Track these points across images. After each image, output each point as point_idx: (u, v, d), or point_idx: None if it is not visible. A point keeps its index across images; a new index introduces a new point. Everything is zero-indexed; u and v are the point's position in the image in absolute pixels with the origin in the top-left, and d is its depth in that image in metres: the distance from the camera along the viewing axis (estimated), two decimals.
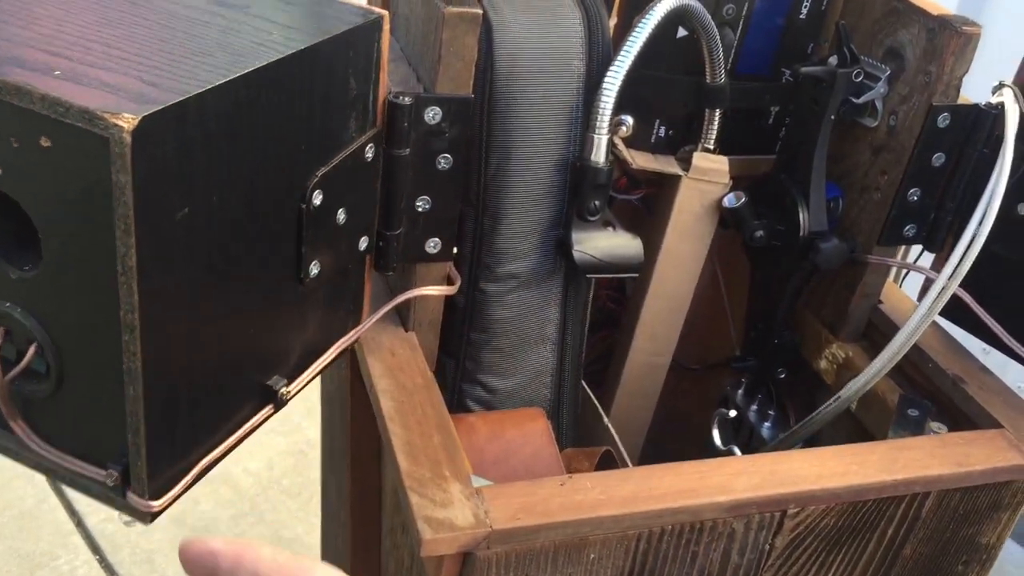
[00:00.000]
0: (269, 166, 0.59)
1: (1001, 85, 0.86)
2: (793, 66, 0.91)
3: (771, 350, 1.03)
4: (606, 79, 0.78)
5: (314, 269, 0.66)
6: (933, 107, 0.86)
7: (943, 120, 0.87)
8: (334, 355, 0.72)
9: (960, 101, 0.87)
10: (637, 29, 0.79)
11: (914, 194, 0.90)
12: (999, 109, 0.86)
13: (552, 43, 0.78)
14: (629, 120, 0.96)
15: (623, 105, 0.96)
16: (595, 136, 0.79)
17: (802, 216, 0.94)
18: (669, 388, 1.17)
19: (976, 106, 0.87)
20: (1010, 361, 0.90)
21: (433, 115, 0.71)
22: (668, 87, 0.95)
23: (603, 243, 0.83)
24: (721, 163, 0.96)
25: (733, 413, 1.00)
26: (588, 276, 0.86)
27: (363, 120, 0.67)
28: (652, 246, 1.00)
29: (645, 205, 1.03)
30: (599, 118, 0.78)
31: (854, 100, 0.91)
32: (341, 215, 0.68)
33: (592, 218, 0.81)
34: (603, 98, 0.78)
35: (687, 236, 0.98)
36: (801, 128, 0.95)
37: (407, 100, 0.69)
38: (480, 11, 0.69)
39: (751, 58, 0.97)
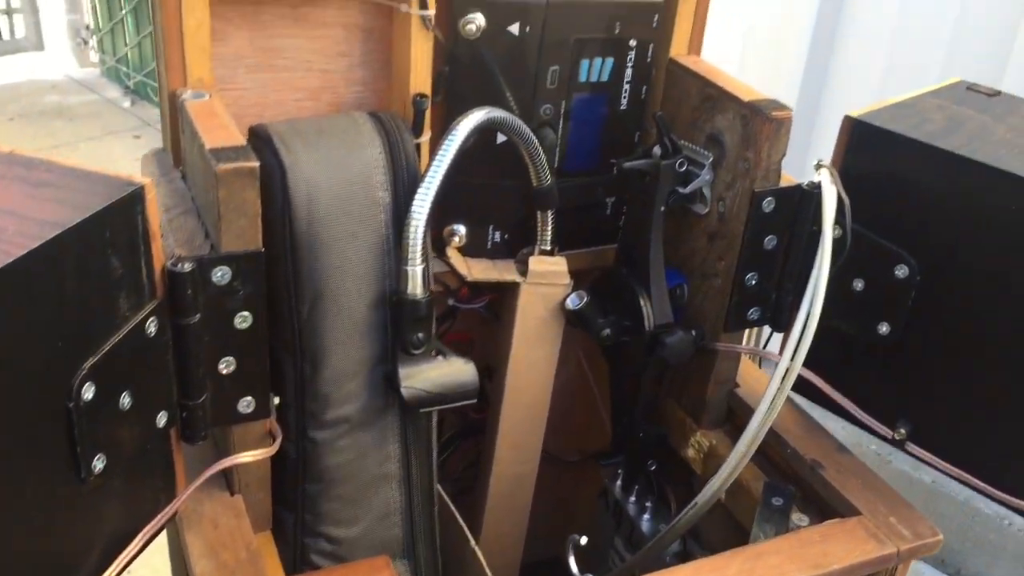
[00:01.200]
0: (20, 370, 0.54)
1: (819, 165, 0.85)
2: (617, 160, 0.90)
3: (638, 443, 1.00)
4: (413, 208, 0.75)
5: (98, 464, 0.61)
6: (756, 193, 0.85)
7: (768, 204, 0.85)
8: (140, 544, 0.67)
9: (784, 181, 0.86)
10: (441, 150, 0.76)
11: (752, 278, 0.89)
12: (819, 188, 0.85)
13: (351, 177, 0.75)
14: (461, 229, 0.94)
15: (454, 213, 0.94)
16: (408, 269, 0.75)
17: (645, 310, 0.91)
18: (550, 481, 1.13)
19: (799, 187, 0.86)
20: None
21: (222, 275, 0.67)
22: (496, 193, 0.93)
23: (433, 374, 0.79)
24: (559, 264, 0.93)
25: (584, 540, 0.97)
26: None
27: (137, 296, 0.63)
28: (502, 353, 0.97)
29: (491, 311, 1.00)
30: (411, 250, 0.75)
31: (681, 190, 0.90)
32: (126, 399, 0.63)
33: (417, 351, 0.77)
34: (412, 229, 0.75)
35: (535, 341, 0.95)
36: (634, 221, 0.93)
37: (187, 267, 0.65)
38: (256, 164, 0.65)
39: (577, 154, 0.95)
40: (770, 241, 0.87)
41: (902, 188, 0.82)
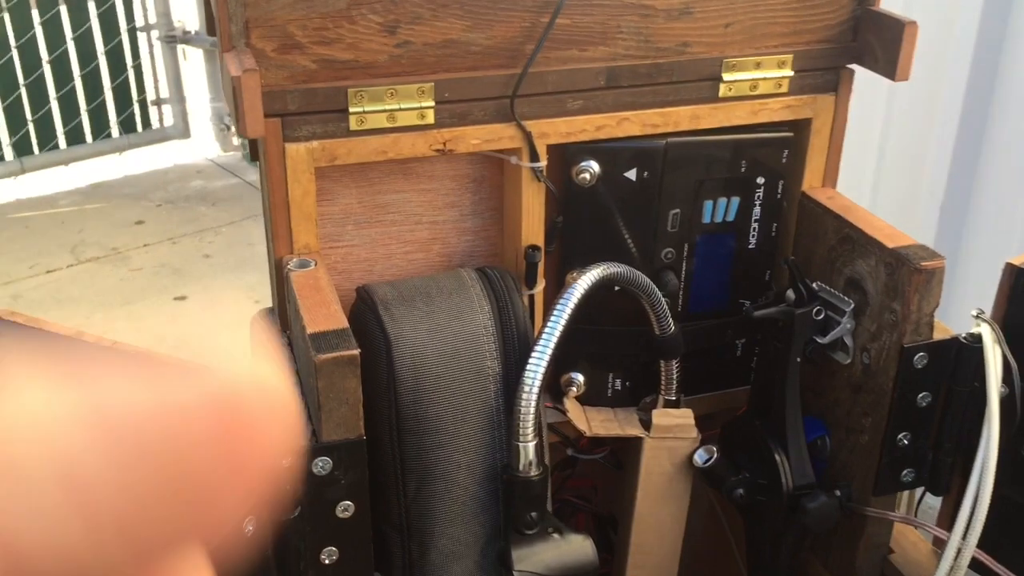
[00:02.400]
0: None
1: (978, 316, 0.76)
2: (746, 306, 0.82)
3: None
4: (525, 380, 0.70)
5: None
6: (905, 348, 0.76)
7: (920, 360, 0.77)
8: None
9: (938, 333, 0.77)
10: (555, 313, 0.71)
11: (904, 438, 0.80)
12: (980, 342, 0.76)
13: (459, 347, 0.71)
14: (579, 378, 0.88)
15: (571, 361, 0.88)
16: (520, 445, 0.70)
17: (782, 469, 0.83)
18: None
19: (955, 340, 0.77)
20: None
21: (323, 466, 0.63)
22: (615, 340, 0.87)
23: (548, 555, 0.73)
24: (685, 417, 0.86)
25: None
26: None
27: None
28: (625, 509, 0.90)
29: (614, 459, 0.93)
30: (522, 424, 0.70)
31: (819, 340, 0.82)
32: None
33: (531, 531, 0.72)
34: (523, 402, 0.70)
35: (661, 498, 0.88)
36: (768, 371, 0.85)
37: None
38: (356, 352, 0.62)
39: (702, 296, 0.88)
40: (924, 398, 0.78)
41: None
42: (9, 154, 3.14)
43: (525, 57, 0.74)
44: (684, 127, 0.80)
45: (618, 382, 0.89)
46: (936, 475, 0.81)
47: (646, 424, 0.86)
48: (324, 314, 0.65)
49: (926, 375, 0.77)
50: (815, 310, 0.81)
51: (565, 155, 0.79)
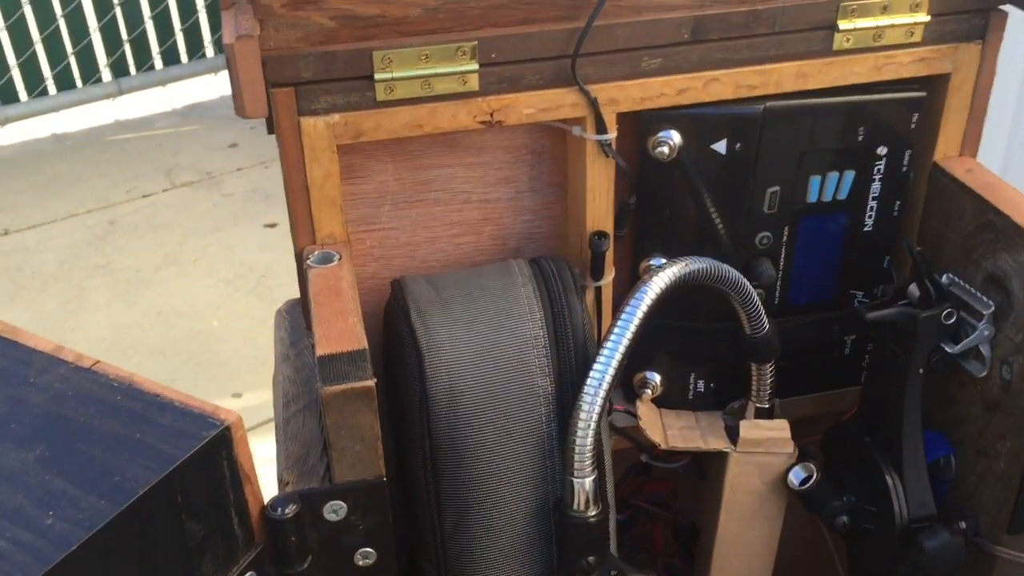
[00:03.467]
0: None
1: None
2: (859, 303, 0.69)
3: None
4: (581, 405, 0.58)
5: None
6: None
7: None
8: None
9: None
10: (615, 334, 0.59)
11: None
12: None
13: (504, 360, 0.60)
14: (656, 378, 0.77)
15: (647, 358, 0.76)
16: (575, 482, 0.59)
17: (896, 497, 0.70)
18: None
19: None
20: None
21: (337, 510, 0.54)
22: (699, 337, 0.74)
23: None
24: (779, 430, 0.74)
25: None
26: None
27: (228, 551, 0.51)
28: (708, 526, 0.79)
29: (696, 467, 0.81)
30: (577, 457, 0.59)
31: (948, 349, 0.67)
32: None
33: None
34: (578, 432, 0.58)
35: (749, 520, 0.76)
36: (883, 381, 0.72)
37: (290, 510, 0.52)
38: (371, 383, 0.51)
39: (805, 287, 0.74)
40: None
41: None
42: (107, 75, 3.13)
43: (589, 7, 0.60)
44: (788, 88, 0.66)
45: (701, 383, 0.77)
46: None
47: (733, 434, 0.74)
48: (340, 329, 0.55)
49: None
50: (945, 313, 0.66)
51: (639, 124, 0.66)
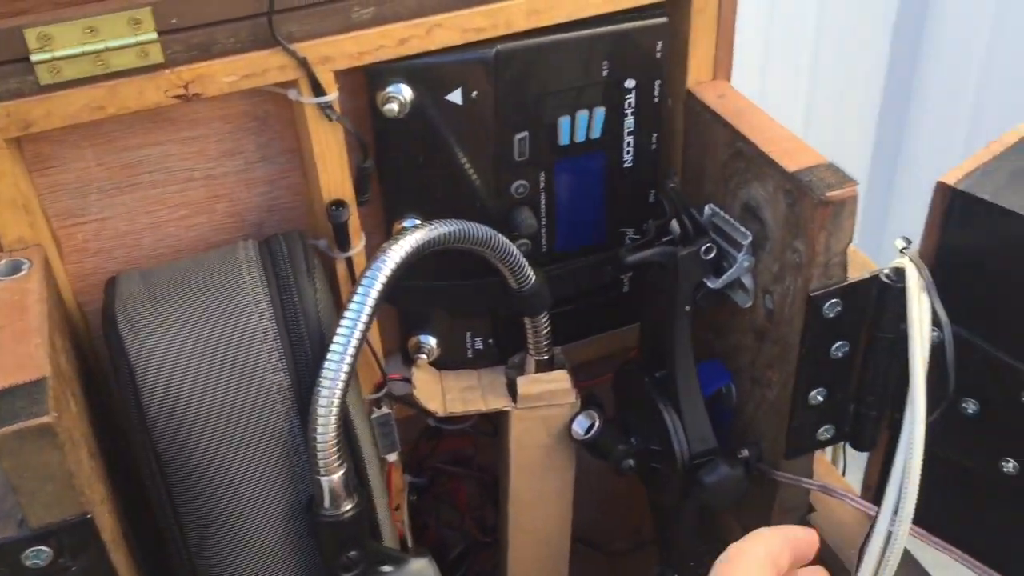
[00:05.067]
0: None
1: (903, 249, 0.60)
2: (622, 249, 0.66)
3: (690, 572, 0.79)
4: (317, 399, 0.53)
5: None
6: (812, 297, 0.60)
7: (831, 308, 0.61)
8: None
9: (856, 266, 0.61)
10: (346, 321, 0.54)
11: (818, 395, 0.65)
12: (902, 282, 0.60)
13: (230, 359, 0.54)
14: (431, 341, 0.73)
15: (418, 321, 0.72)
16: (322, 479, 0.55)
17: (676, 436, 0.69)
18: (596, 574, 0.95)
19: (875, 279, 0.61)
20: None
21: (37, 556, 0.48)
22: (468, 295, 0.71)
23: None
24: (559, 381, 0.71)
25: None
26: None
27: None
28: (502, 484, 0.77)
29: (489, 424, 0.79)
30: (320, 455, 0.54)
31: (710, 284, 0.65)
32: None
33: (350, 573, 0.58)
34: (318, 426, 0.54)
35: (540, 473, 0.74)
36: (654, 319, 0.70)
37: None
38: (50, 419, 0.45)
39: (573, 231, 0.71)
40: (840, 348, 0.63)
41: None
42: None
43: None
44: (520, 27, 0.61)
45: (479, 341, 0.73)
46: (859, 429, 0.67)
47: (515, 390, 0.71)
48: (18, 355, 0.48)
49: (840, 324, 0.62)
50: (703, 248, 0.64)
51: (364, 81, 0.60)
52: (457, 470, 0.82)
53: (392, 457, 0.73)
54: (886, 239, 0.62)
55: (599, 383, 0.77)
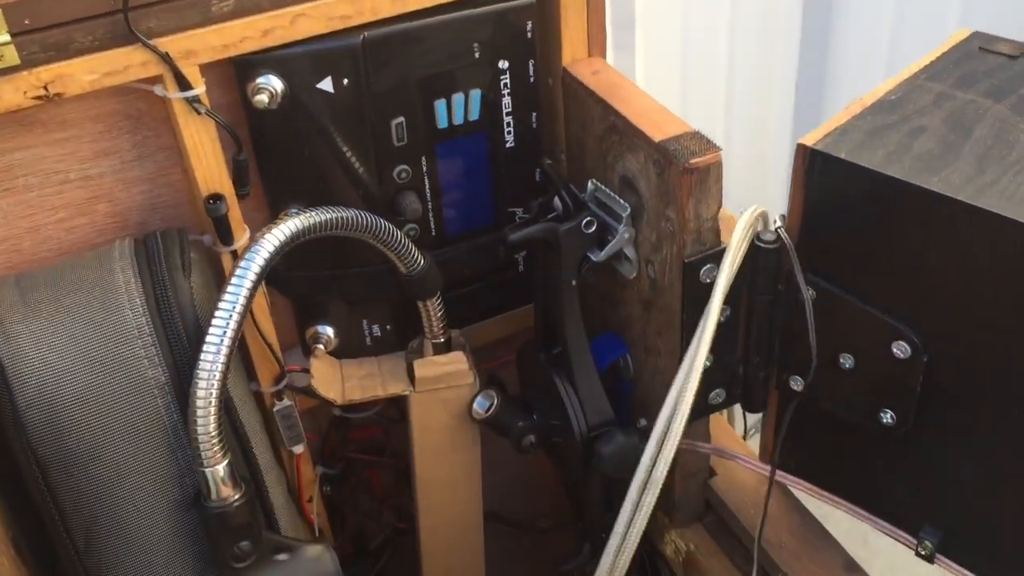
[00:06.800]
0: None
1: (779, 225, 0.61)
2: (503, 230, 0.67)
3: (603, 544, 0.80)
4: (194, 391, 0.54)
5: None
6: (687, 263, 0.61)
7: (708, 274, 0.62)
8: None
9: (728, 238, 0.63)
10: (220, 314, 0.54)
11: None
12: (778, 242, 0.61)
13: (105, 358, 0.54)
14: (328, 331, 0.73)
15: (314, 313, 0.73)
16: (206, 471, 0.55)
17: (573, 410, 0.70)
18: (524, 550, 0.96)
19: (751, 245, 0.62)
20: None
21: None
22: (360, 283, 0.71)
23: None
24: (456, 362, 0.72)
25: None
26: None
27: None
28: (410, 467, 0.77)
29: (395, 408, 0.79)
30: (202, 445, 0.55)
31: (593, 257, 0.67)
32: None
33: (244, 563, 0.58)
34: (198, 418, 0.54)
35: (443, 454, 0.75)
36: (544, 295, 0.71)
37: None
38: None
39: (460, 215, 0.72)
40: (721, 313, 0.64)
41: (890, 240, 0.58)
42: None
43: None
44: (385, 13, 0.61)
45: (376, 327, 0.74)
46: (749, 391, 0.69)
47: (413, 374, 0.72)
48: None
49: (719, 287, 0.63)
50: (584, 222, 0.65)
51: (234, 73, 0.60)
52: (369, 458, 0.82)
53: (298, 449, 0.74)
54: None
55: (504, 363, 0.78)
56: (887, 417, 0.63)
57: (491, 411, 0.72)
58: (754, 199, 0.63)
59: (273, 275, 0.68)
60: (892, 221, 0.57)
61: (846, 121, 0.60)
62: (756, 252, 0.62)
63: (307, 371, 0.72)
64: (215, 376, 0.54)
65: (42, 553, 0.59)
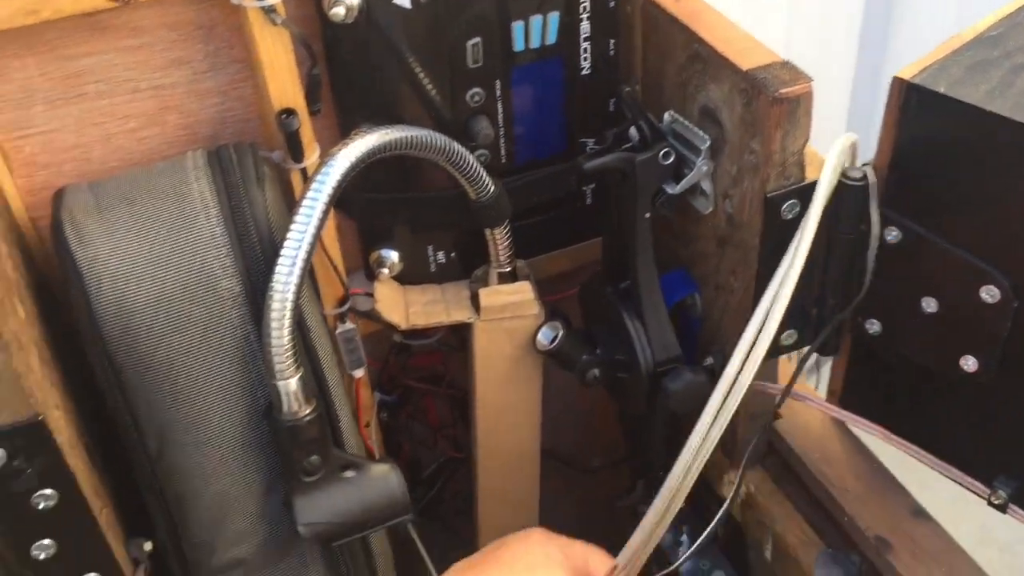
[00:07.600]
0: None
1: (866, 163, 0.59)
2: (576, 159, 0.65)
3: (660, 482, 0.80)
4: (269, 304, 0.53)
5: None
6: (768, 198, 0.60)
7: (790, 209, 0.60)
8: None
9: (812, 174, 0.60)
10: (297, 223, 0.54)
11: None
12: (864, 180, 0.59)
13: (180, 265, 0.54)
14: (392, 255, 0.72)
15: (380, 236, 0.72)
16: (279, 384, 0.55)
17: (640, 345, 0.69)
18: (571, 490, 0.96)
19: (838, 183, 0.60)
20: None
21: None
22: (429, 208, 0.70)
23: (340, 500, 0.59)
24: (522, 292, 0.71)
25: None
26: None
27: None
28: (469, 397, 0.77)
29: (457, 337, 0.79)
30: (275, 360, 0.54)
31: (669, 190, 0.65)
32: None
33: (313, 477, 0.58)
34: (272, 331, 0.54)
35: (506, 385, 0.74)
36: (616, 228, 0.69)
37: None
38: None
39: (532, 141, 0.70)
40: None
41: (986, 181, 0.56)
42: None
43: None
44: None
45: (441, 254, 0.73)
46: (823, 333, 0.67)
47: (478, 302, 0.71)
48: None
49: (799, 225, 0.61)
50: (661, 153, 0.64)
51: None
52: (428, 387, 0.82)
53: (359, 373, 0.73)
54: (873, 136, 0.61)
55: (566, 297, 0.77)
56: (968, 364, 0.61)
57: (556, 343, 0.71)
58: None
59: (340, 196, 0.67)
60: (990, 160, 0.55)
61: (945, 55, 0.58)
62: (841, 189, 0.60)
63: (370, 295, 0.71)
64: (290, 289, 0.53)
65: (114, 461, 0.59)
